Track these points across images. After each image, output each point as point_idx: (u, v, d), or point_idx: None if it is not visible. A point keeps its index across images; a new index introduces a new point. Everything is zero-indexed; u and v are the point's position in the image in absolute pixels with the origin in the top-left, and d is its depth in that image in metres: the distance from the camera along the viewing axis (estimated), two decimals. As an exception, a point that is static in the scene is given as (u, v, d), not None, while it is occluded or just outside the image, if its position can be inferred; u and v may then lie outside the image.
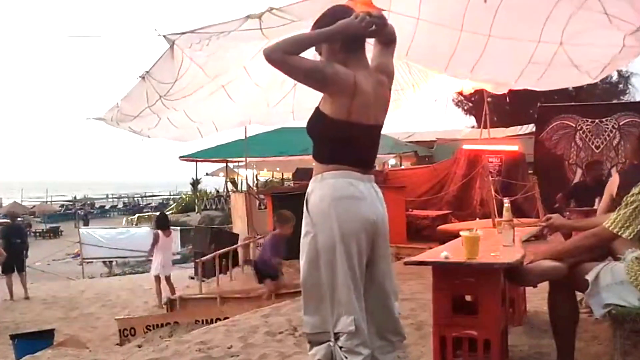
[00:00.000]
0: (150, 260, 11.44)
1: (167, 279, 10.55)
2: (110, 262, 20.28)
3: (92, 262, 19.95)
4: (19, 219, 15.29)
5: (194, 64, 6.38)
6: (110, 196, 56.67)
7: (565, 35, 6.21)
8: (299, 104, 8.37)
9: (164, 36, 6.05)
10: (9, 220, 15.19)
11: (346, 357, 2.35)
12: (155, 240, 10.47)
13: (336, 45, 2.45)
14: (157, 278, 10.44)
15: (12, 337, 7.66)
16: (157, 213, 18.96)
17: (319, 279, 2.40)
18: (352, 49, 2.47)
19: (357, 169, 2.44)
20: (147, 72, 6.46)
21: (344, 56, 2.45)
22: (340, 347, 2.36)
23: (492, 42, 6.49)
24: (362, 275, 2.42)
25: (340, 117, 2.40)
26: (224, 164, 23.14)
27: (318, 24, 2.50)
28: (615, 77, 23.66)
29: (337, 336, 2.37)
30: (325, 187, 2.41)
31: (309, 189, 2.47)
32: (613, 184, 3.95)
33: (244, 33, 6.22)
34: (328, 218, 2.38)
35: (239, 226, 12.80)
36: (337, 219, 2.37)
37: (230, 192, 21.19)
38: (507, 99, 11.29)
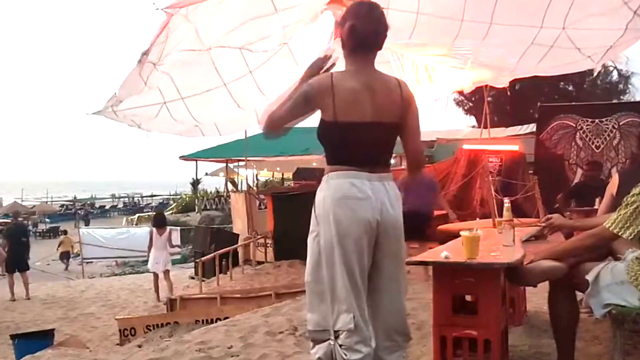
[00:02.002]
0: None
1: (165, 275, 10.73)
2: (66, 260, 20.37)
3: (91, 262, 19.98)
4: (19, 218, 15.40)
5: (190, 25, 6.23)
6: (111, 196, 56.61)
7: (568, 20, 6.22)
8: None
9: (162, 10, 5.86)
10: (11, 219, 15.30)
11: (346, 355, 2.36)
12: (150, 237, 10.81)
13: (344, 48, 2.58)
14: (155, 274, 10.76)
15: (12, 337, 7.66)
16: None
17: (321, 277, 2.44)
18: (356, 52, 2.53)
19: (362, 168, 2.45)
20: (144, 52, 6.29)
21: (349, 55, 2.56)
22: (340, 345, 2.37)
23: (493, 28, 6.51)
24: (362, 274, 2.43)
25: (329, 119, 2.46)
26: (224, 164, 23.14)
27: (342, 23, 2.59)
28: (615, 77, 23.63)
29: (337, 334, 2.39)
30: (330, 188, 2.45)
31: (318, 189, 2.51)
32: (613, 184, 3.94)
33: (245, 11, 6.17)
34: (328, 218, 2.41)
35: (239, 226, 12.80)
36: (335, 219, 2.40)
37: (230, 192, 21.18)
38: (508, 93, 11.21)
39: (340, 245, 2.38)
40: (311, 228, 2.50)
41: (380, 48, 2.56)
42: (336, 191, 2.42)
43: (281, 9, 6.23)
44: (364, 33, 2.49)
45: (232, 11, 6.26)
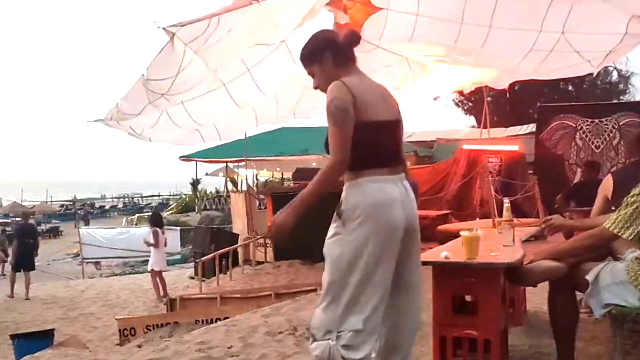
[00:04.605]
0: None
1: (160, 273, 10.91)
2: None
3: (91, 262, 19.98)
4: (28, 219, 15.63)
5: (196, 56, 6.27)
6: (102, 196, 56.69)
7: (567, 24, 6.23)
8: (301, 103, 8.38)
9: (163, 29, 5.87)
10: (20, 220, 15.51)
11: (347, 354, 2.38)
12: (157, 236, 10.85)
13: (327, 64, 2.57)
14: (155, 273, 10.85)
15: (12, 337, 7.67)
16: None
17: (339, 278, 2.44)
18: (342, 64, 2.57)
19: (387, 170, 2.48)
20: (145, 74, 6.34)
21: (337, 70, 2.56)
22: (343, 345, 2.38)
23: (493, 32, 6.52)
24: (388, 277, 2.46)
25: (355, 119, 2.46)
26: (224, 164, 23.12)
27: (308, 49, 2.64)
28: (615, 77, 23.63)
29: (339, 334, 2.40)
30: (358, 193, 2.45)
31: (343, 194, 2.50)
32: (607, 184, 3.93)
33: (246, 23, 6.19)
34: (358, 223, 2.41)
35: (239, 226, 12.80)
36: (368, 225, 2.40)
37: (230, 192, 21.18)
38: (508, 95, 11.24)
39: (369, 250, 2.39)
40: (335, 231, 2.48)
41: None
42: (367, 196, 2.43)
43: (278, 7, 6.26)
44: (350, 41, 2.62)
45: (239, 34, 6.32)
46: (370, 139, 2.44)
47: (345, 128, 2.40)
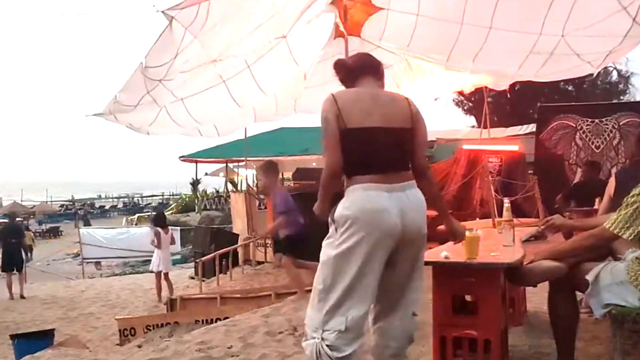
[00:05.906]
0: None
1: (166, 275, 10.78)
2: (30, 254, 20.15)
3: (91, 262, 19.97)
4: (18, 218, 15.60)
5: (196, 40, 6.23)
6: (111, 196, 56.61)
7: (567, 27, 6.22)
8: (302, 100, 8.37)
9: (162, 12, 5.85)
10: (7, 220, 15.48)
11: (333, 353, 2.47)
12: (158, 237, 10.67)
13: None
14: (158, 275, 10.70)
15: (12, 337, 7.66)
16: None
17: (327, 280, 2.53)
18: (351, 85, 2.74)
19: (381, 177, 2.52)
20: (144, 62, 6.26)
21: (355, 81, 2.75)
22: (329, 345, 2.47)
23: (493, 33, 6.52)
24: (372, 282, 2.52)
25: (341, 128, 2.54)
26: (224, 164, 23.13)
27: (345, 68, 2.82)
28: (615, 77, 23.62)
29: (325, 333, 2.49)
30: (347, 201, 2.54)
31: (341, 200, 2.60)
32: (611, 184, 3.94)
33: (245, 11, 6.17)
34: (346, 229, 2.49)
35: (239, 226, 12.79)
36: (353, 231, 2.47)
37: (230, 192, 21.18)
38: (508, 95, 11.28)
39: (355, 257, 2.47)
40: (329, 234, 2.60)
41: (378, 75, 2.78)
42: (355, 205, 2.50)
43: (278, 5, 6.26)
44: (353, 62, 2.86)
45: (237, 21, 6.28)
46: (359, 145, 2.53)
47: (326, 136, 2.54)
